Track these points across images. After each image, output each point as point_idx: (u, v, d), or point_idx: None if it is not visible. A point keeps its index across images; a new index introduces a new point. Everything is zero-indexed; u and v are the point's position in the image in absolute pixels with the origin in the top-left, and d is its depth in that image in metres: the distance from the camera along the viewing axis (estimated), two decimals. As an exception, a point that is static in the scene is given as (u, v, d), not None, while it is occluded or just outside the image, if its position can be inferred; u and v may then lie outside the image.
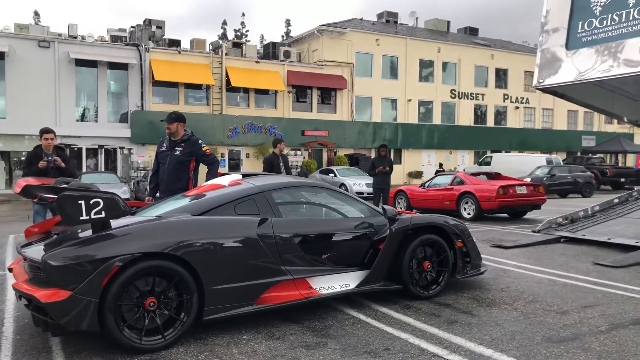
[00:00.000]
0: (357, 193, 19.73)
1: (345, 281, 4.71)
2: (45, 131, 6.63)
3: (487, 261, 6.80)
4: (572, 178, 22.64)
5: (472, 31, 41.88)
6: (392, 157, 32.67)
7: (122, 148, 26.41)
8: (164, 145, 6.01)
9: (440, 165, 31.68)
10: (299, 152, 29.30)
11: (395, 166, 16.03)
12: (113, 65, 26.04)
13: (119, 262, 3.61)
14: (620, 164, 35.57)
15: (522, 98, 38.71)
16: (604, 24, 7.99)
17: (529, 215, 13.35)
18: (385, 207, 5.12)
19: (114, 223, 3.89)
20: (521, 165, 24.95)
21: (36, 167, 6.41)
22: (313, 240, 4.68)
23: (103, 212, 3.72)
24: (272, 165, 8.97)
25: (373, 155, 31.17)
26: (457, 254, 5.40)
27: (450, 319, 4.49)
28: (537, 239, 9.07)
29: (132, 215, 4.41)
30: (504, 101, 38.09)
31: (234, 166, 28.28)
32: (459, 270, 5.43)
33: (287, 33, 64.31)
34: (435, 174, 18.54)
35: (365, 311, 4.73)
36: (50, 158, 6.46)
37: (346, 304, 4.92)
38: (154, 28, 28.64)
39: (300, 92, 30.91)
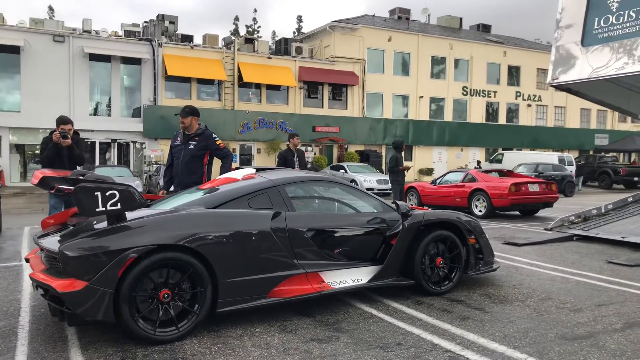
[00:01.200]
0: (367, 189, 19.71)
1: (358, 276, 4.72)
2: (62, 122, 6.36)
3: (499, 258, 6.78)
4: (558, 177, 22.27)
5: (485, 28, 41.56)
6: (403, 153, 32.70)
7: (134, 142, 26.59)
8: (178, 139, 6.03)
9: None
10: (309, 148, 29.34)
11: (405, 163, 15.88)
12: (126, 60, 26.21)
13: (134, 253, 3.64)
14: (638, 163, 35.12)
15: (535, 96, 38.41)
16: (621, 21, 7.90)
17: (541, 212, 13.27)
18: (398, 202, 5.12)
19: (129, 215, 3.93)
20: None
21: (52, 145, 6.24)
22: (326, 234, 4.69)
23: (119, 204, 3.75)
24: (285, 160, 9.02)
25: (384, 152, 31.15)
26: (470, 251, 5.38)
27: (463, 315, 4.48)
28: (549, 236, 9.02)
29: (146, 207, 4.45)
30: (516, 99, 37.82)
31: (245, 161, 28.38)
32: (472, 267, 5.42)
33: (299, 29, 64.29)
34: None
35: (377, 306, 4.73)
36: (63, 132, 6.22)
37: (358, 299, 4.93)
38: (167, 23, 28.78)
39: (311, 88, 30.91)
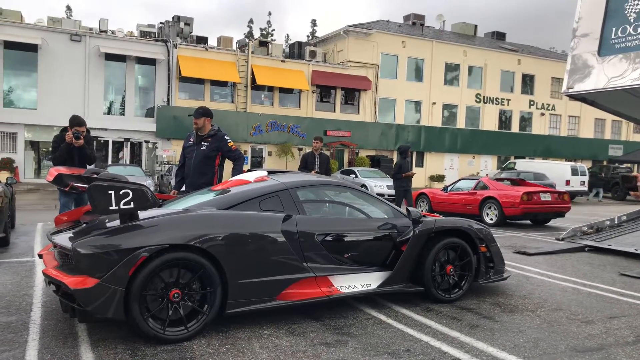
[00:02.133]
0: (377, 194, 19.65)
1: (367, 281, 4.71)
2: (78, 123, 6.39)
3: (510, 267, 6.73)
4: None
5: (500, 36, 41.41)
6: (414, 159, 32.62)
7: (147, 142, 26.77)
8: (191, 139, 6.07)
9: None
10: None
11: (417, 169, 15.81)
12: (141, 60, 26.43)
13: (146, 252, 3.66)
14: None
15: (549, 105, 38.15)
16: (639, 31, 7.83)
17: (553, 222, 13.16)
18: (410, 209, 5.11)
19: (142, 214, 3.96)
20: (545, 172, 24.60)
21: (65, 145, 6.29)
22: (336, 238, 4.68)
23: (132, 203, 3.78)
24: (306, 162, 9.24)
25: (395, 158, 31.09)
26: (481, 259, 5.35)
27: (472, 324, 4.45)
28: (561, 246, 8.94)
29: (159, 207, 4.48)
30: (530, 107, 37.59)
31: (256, 164, 28.46)
32: (482, 275, 5.39)
33: (313, 33, 64.42)
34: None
35: (385, 312, 4.72)
36: (76, 132, 6.30)
37: (367, 304, 4.92)
38: (182, 25, 28.98)
39: (324, 92, 30.95)
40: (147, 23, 30.20)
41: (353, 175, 22.94)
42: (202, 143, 5.92)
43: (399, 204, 10.94)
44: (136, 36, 27.90)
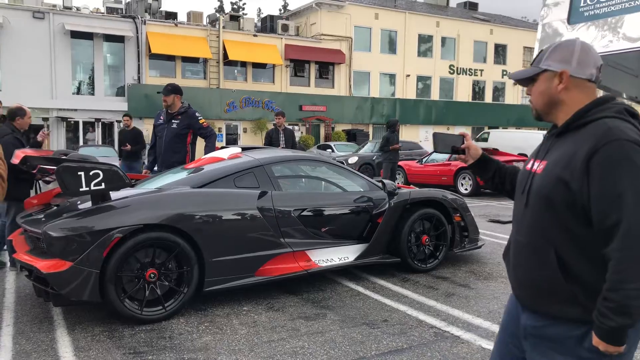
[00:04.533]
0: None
1: (344, 254, 4.74)
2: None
3: (484, 236, 6.84)
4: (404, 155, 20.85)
5: (472, 6, 41.35)
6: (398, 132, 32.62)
7: (119, 122, 26.22)
8: (161, 117, 5.96)
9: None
10: (296, 127, 29.19)
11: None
12: (109, 38, 25.69)
13: (119, 233, 3.62)
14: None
15: (521, 74, 38.42)
16: (607, -2, 7.90)
17: (526, 191, 13.39)
18: (385, 181, 5.14)
19: (114, 195, 3.89)
20: (519, 142, 24.91)
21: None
22: (312, 213, 4.69)
23: (103, 184, 3.71)
24: (270, 139, 9.02)
25: (371, 131, 31.16)
26: (455, 228, 5.43)
27: (448, 292, 4.54)
28: (533, 214, 9.12)
29: (131, 187, 4.41)
30: (503, 77, 37.81)
31: (232, 141, 28.17)
32: (457, 244, 5.48)
33: (285, 6, 63.43)
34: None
35: (363, 284, 4.77)
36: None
37: (344, 277, 4.97)
38: (150, 0, 28.19)
39: (298, 66, 30.62)
40: (114, -1, 29.30)
41: (329, 150, 22.92)
42: (173, 121, 5.82)
43: (387, 176, 11.07)
44: (102, 13, 27.08)
